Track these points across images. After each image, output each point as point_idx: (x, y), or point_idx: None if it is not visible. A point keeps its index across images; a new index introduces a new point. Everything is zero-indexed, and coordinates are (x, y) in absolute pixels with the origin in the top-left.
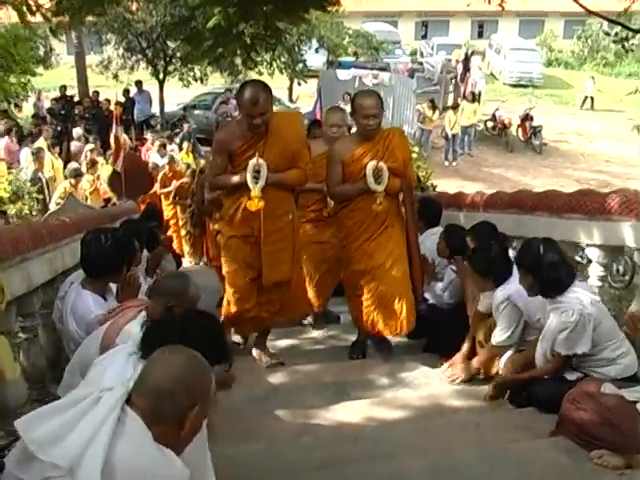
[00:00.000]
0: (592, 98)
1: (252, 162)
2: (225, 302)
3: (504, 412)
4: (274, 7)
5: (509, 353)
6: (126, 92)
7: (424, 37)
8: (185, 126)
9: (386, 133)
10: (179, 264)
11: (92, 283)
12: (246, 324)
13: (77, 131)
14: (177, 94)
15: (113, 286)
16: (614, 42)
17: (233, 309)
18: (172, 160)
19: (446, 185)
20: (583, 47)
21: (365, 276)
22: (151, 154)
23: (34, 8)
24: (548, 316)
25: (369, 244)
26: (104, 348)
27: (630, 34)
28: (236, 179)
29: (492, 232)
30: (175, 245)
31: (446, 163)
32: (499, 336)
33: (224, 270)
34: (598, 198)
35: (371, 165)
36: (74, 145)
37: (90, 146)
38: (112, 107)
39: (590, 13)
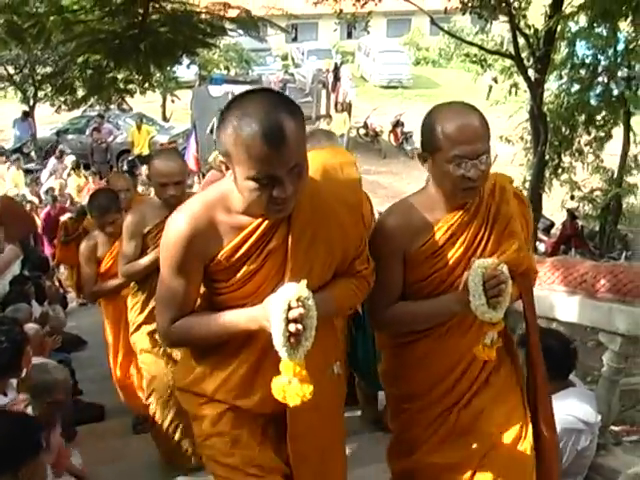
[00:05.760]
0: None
1: (284, 300)
2: None
3: None
4: (145, 55)
5: None
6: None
7: (294, 40)
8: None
9: (489, 189)
10: (65, 306)
11: None
12: None
13: None
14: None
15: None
16: (472, 62)
17: None
18: None
19: None
20: (449, 43)
21: (451, 475)
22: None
23: None
24: None
25: (458, 414)
26: None
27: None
28: (236, 323)
29: None
30: None
31: None
32: None
33: None
34: None
35: (479, 268)
36: None
37: None
38: None
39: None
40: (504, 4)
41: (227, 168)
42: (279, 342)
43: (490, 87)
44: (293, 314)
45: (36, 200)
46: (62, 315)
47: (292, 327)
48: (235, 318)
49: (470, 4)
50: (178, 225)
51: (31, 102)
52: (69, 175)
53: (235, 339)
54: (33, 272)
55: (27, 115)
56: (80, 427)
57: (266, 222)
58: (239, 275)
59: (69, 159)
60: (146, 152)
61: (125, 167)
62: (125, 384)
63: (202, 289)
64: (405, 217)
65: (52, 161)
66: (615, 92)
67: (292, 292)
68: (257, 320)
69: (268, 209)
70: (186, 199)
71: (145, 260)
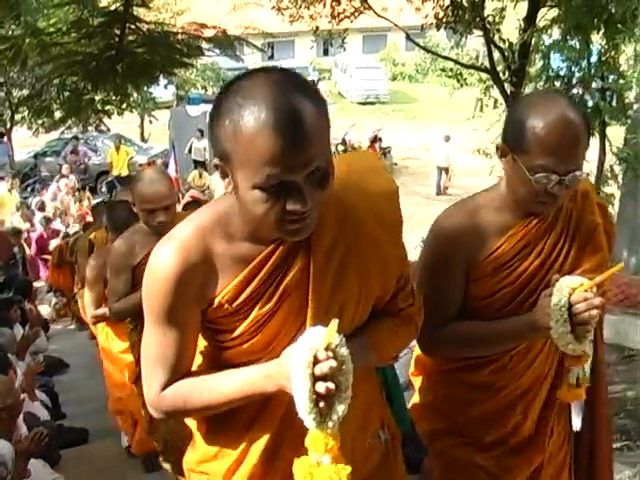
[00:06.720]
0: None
1: (308, 350)
2: None
3: None
4: (122, 76)
5: None
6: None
7: (271, 58)
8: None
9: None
10: (47, 329)
11: None
12: None
13: None
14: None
15: None
16: (448, 77)
17: None
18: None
19: None
20: (425, 58)
21: None
22: None
23: None
24: None
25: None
26: None
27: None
28: (247, 386)
29: None
30: None
31: None
32: None
33: None
34: None
35: (566, 288)
36: None
37: None
38: None
39: (413, 42)
40: (478, 19)
41: (224, 176)
42: (304, 408)
43: (479, 100)
44: (321, 369)
45: (26, 225)
46: (44, 339)
47: (321, 387)
48: (245, 379)
49: (445, 19)
50: (164, 260)
51: (8, 125)
52: (73, 196)
53: (247, 406)
54: (15, 295)
55: (3, 136)
56: (64, 451)
57: (279, 250)
58: (248, 322)
59: (63, 183)
60: (125, 173)
61: (104, 189)
62: (127, 418)
63: (202, 343)
64: (471, 218)
65: (53, 185)
66: (590, 103)
67: (318, 339)
68: (274, 379)
69: (281, 228)
70: (177, 221)
71: (136, 296)
